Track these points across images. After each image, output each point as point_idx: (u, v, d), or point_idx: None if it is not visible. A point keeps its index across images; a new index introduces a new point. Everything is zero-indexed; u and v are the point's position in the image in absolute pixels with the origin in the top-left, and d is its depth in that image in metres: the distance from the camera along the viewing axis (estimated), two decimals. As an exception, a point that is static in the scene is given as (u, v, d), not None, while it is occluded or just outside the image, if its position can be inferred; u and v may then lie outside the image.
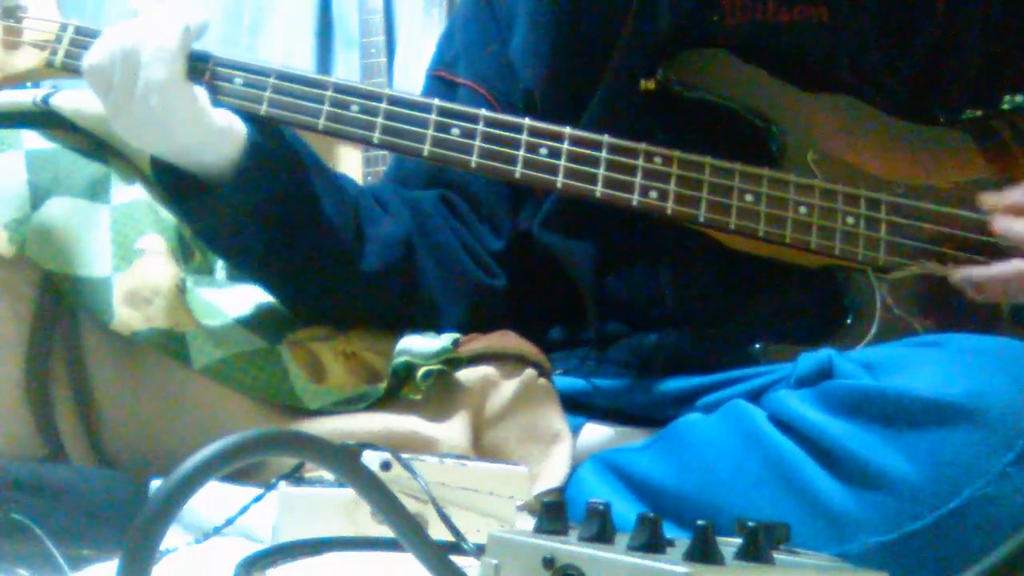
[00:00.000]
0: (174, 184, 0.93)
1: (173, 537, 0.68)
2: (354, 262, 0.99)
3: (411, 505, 0.60)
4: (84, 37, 0.94)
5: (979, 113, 1.13)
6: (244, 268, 1.03)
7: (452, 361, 0.94)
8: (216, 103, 0.91)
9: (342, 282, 1.00)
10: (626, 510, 0.85)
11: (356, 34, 2.23)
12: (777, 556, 0.51)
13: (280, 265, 0.99)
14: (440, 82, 1.12)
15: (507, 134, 0.95)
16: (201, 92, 0.90)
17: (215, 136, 0.90)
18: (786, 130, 1.01)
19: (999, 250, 0.96)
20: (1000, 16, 1.10)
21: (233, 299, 1.03)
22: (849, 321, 0.97)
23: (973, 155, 1.04)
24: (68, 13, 0.98)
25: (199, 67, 0.92)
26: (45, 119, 0.99)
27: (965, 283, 0.94)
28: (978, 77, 1.11)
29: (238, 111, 0.93)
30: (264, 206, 0.93)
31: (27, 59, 0.97)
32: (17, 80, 0.98)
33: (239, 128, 0.92)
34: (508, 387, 0.97)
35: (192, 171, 0.92)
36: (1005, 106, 1.12)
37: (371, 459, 0.70)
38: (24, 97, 1.00)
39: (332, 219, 0.97)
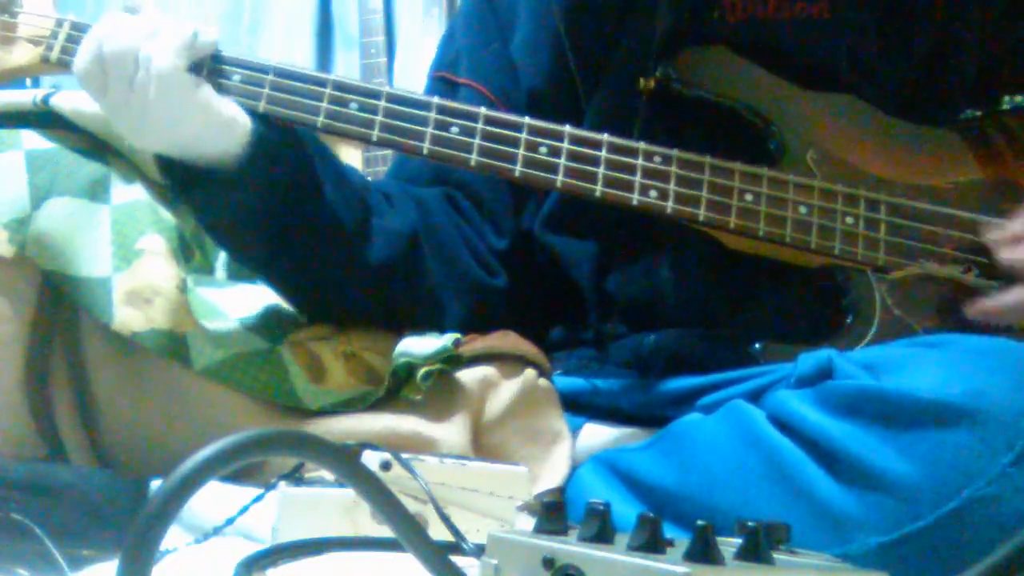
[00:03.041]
0: (179, 176, 0.92)
1: (173, 537, 0.68)
2: (360, 253, 0.99)
3: (411, 505, 0.60)
4: (80, 33, 0.93)
5: (978, 113, 1.13)
6: (249, 261, 1.03)
7: (452, 358, 0.94)
8: (220, 92, 0.91)
9: (347, 274, 1.00)
10: (626, 510, 0.85)
11: (356, 34, 2.23)
12: (777, 556, 0.51)
13: (285, 257, 0.98)
14: (442, 82, 1.12)
15: (507, 132, 0.95)
16: (204, 83, 0.90)
17: (220, 126, 0.90)
18: (786, 129, 1.01)
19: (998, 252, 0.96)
20: (999, 16, 1.11)
21: (233, 299, 1.03)
22: (849, 321, 0.97)
23: (971, 156, 1.04)
24: (68, 9, 0.97)
25: (198, 65, 0.91)
26: (45, 119, 0.99)
27: (981, 315, 0.94)
28: (977, 77, 1.12)
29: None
30: (269, 196, 0.93)
31: (22, 55, 0.96)
32: (12, 76, 0.97)
33: (243, 119, 0.91)
34: (508, 388, 0.97)
35: (196, 164, 0.91)
36: (1005, 106, 1.12)
37: (371, 459, 0.70)
38: (24, 97, 0.99)
39: (338, 210, 0.96)
